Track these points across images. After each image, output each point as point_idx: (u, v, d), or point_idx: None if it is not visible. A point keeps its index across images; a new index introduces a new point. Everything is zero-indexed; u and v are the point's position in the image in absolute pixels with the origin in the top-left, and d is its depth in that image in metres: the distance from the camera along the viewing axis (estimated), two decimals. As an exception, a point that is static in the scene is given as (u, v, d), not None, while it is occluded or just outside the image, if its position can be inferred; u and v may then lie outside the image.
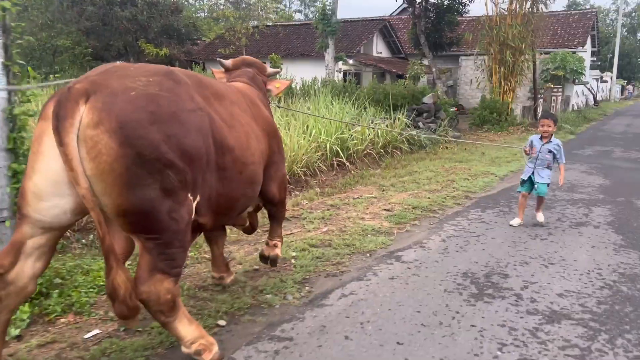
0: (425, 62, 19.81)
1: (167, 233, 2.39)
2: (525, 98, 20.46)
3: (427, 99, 15.89)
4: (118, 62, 2.71)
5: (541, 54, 18.16)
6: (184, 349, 2.66)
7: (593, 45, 31.17)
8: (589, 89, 30.88)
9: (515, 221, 5.77)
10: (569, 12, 29.11)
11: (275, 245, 3.82)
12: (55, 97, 2.26)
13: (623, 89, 48.73)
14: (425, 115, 15.43)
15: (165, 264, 2.43)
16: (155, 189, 2.29)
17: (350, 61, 26.05)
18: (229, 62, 3.88)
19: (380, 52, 29.35)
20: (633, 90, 52.40)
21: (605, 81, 41.09)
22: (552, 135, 5.66)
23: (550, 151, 5.60)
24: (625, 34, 60.96)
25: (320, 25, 20.29)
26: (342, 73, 26.69)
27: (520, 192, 5.84)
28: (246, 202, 3.17)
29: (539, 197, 5.76)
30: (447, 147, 13.10)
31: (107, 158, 2.16)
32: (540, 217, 5.81)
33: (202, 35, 29.47)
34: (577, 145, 13.64)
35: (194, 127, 2.45)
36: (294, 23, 33.23)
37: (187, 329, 2.62)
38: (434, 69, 19.16)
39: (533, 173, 5.65)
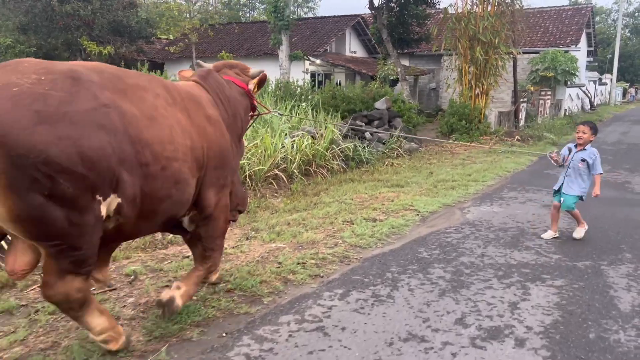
0: (399, 61, 17.22)
1: (70, 238, 2.34)
2: (504, 102, 17.84)
3: (380, 104, 13.35)
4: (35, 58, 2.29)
5: (519, 52, 15.51)
6: (92, 337, 2.72)
7: (589, 44, 28.49)
8: (584, 92, 28.21)
9: (548, 234, 5.40)
10: (561, 8, 26.48)
11: (178, 287, 3.20)
12: None
13: (625, 91, 45.99)
14: (376, 123, 12.89)
15: (73, 265, 2.42)
16: (46, 195, 2.18)
17: (318, 61, 23.56)
18: (209, 66, 3.69)
19: (355, 52, 26.81)
20: (636, 93, 49.61)
21: (605, 84, 38.36)
22: (588, 142, 5.27)
23: (583, 160, 5.21)
24: (628, 35, 58.22)
25: (272, 19, 17.76)
26: (309, 74, 24.21)
27: (553, 202, 5.49)
28: (172, 206, 2.89)
29: (567, 211, 5.34)
30: (392, 164, 10.54)
31: None
32: (577, 232, 5.34)
33: (162, 33, 27.01)
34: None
35: (94, 126, 2.32)
36: (260, 20, 30.65)
37: (97, 320, 2.65)
38: (398, 69, 16.59)
39: (562, 185, 5.33)
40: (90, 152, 2.26)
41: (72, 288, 2.44)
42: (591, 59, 30.14)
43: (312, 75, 24.67)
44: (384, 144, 12.04)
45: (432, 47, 20.08)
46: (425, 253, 4.78)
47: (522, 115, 17.52)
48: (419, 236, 5.36)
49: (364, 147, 10.77)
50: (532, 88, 16.25)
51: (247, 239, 5.27)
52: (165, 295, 3.16)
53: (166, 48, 21.95)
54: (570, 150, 5.31)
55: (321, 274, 4.20)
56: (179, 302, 3.14)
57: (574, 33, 24.36)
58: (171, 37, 26.93)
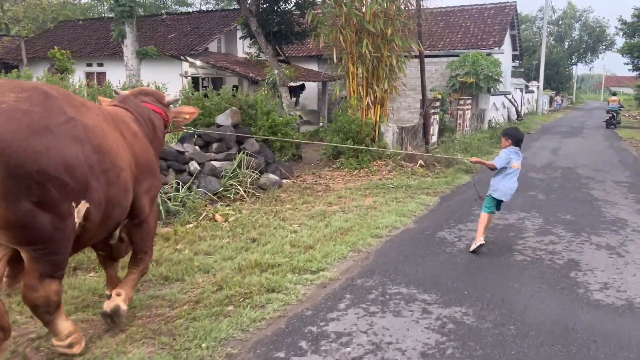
0: (275, 60, 13.14)
1: (52, 242, 2.51)
2: (410, 114, 14.28)
3: (222, 119, 9.21)
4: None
5: (420, 47, 11.91)
6: (55, 342, 2.84)
7: (514, 48, 25.88)
8: (510, 100, 25.50)
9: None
10: (483, 6, 23.62)
11: (118, 294, 3.32)
12: None
13: (551, 99, 44.64)
14: (215, 146, 8.74)
15: (51, 269, 2.59)
16: (35, 202, 2.36)
17: (198, 62, 19.19)
18: (126, 93, 3.89)
19: (250, 53, 22.68)
20: (562, 101, 48.63)
21: (532, 91, 36.37)
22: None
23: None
24: (553, 42, 57.80)
25: (113, 4, 13.29)
26: (189, 78, 19.78)
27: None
28: (121, 213, 3.10)
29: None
30: (213, 217, 6.47)
31: None
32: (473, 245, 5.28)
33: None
34: (459, 203, 7.29)
35: (70, 137, 2.53)
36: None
37: (65, 324, 2.82)
38: (276, 71, 12.57)
39: None
40: (70, 160, 2.49)
41: (51, 291, 2.61)
42: (517, 63, 27.59)
43: (195, 80, 20.28)
44: (220, 177, 7.97)
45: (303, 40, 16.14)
46: None
47: (434, 130, 13.97)
48: None
49: (180, 186, 6.67)
50: (439, 95, 12.73)
51: None
52: (108, 305, 3.27)
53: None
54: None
55: None
56: (123, 306, 3.29)
57: (497, 33, 21.45)
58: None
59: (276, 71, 12.56)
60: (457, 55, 20.18)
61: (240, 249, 5.14)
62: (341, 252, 4.93)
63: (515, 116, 25.98)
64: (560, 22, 59.26)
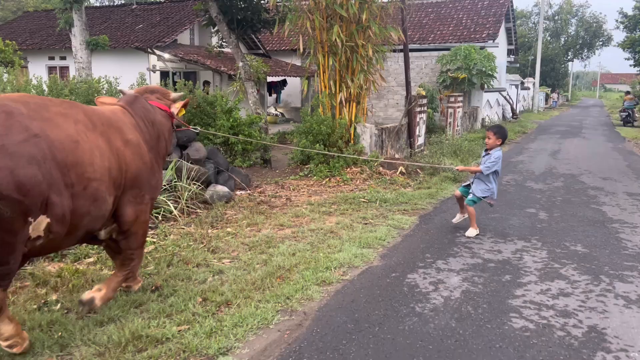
0: (238, 50, 11.59)
1: (0, 255, 2.58)
2: (399, 111, 12.81)
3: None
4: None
5: (400, 35, 10.45)
6: None
7: (509, 42, 24.43)
8: (505, 98, 24.06)
9: (457, 218, 5.92)
10: (476, -3, 22.13)
11: (99, 289, 3.47)
12: None
13: (547, 97, 43.26)
14: (151, 152, 7.18)
15: None
16: None
17: (166, 55, 17.61)
18: (131, 92, 3.90)
19: (211, 45, 21.09)
20: (558, 98, 47.27)
21: (527, 88, 34.96)
22: (495, 146, 5.52)
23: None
24: (549, 38, 56.42)
25: (58, -11, 11.71)
26: (157, 72, 18.26)
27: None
28: (90, 221, 3.10)
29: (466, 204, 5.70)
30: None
31: None
32: (470, 232, 5.57)
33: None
34: (442, 226, 5.78)
35: (27, 157, 2.55)
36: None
37: (6, 327, 2.87)
38: (240, 64, 11.04)
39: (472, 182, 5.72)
40: (24, 179, 2.51)
41: None
42: (512, 58, 26.15)
43: (164, 75, 18.71)
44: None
45: (270, 29, 14.49)
46: None
47: (421, 130, 12.48)
48: None
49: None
50: (423, 92, 11.24)
51: None
52: (86, 295, 3.43)
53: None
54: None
55: None
56: (97, 302, 3.41)
57: (491, 26, 20.00)
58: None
59: (240, 64, 11.02)
60: (448, 49, 18.72)
61: (129, 306, 3.64)
62: (264, 317, 3.43)
63: (511, 114, 24.56)
64: (557, 17, 57.89)
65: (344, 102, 9.33)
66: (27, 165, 2.51)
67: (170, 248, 5.03)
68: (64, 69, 19.15)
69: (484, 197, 5.60)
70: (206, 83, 18.23)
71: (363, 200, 7.34)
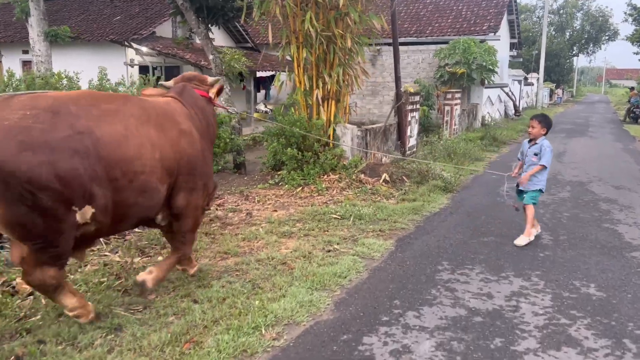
0: (208, 42, 10.47)
1: (48, 239, 2.84)
2: (384, 112, 11.66)
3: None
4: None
5: (384, 24, 9.32)
6: (66, 312, 3.22)
7: (512, 35, 23.19)
8: (507, 94, 22.85)
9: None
10: (477, -13, 20.88)
11: (150, 272, 3.68)
12: None
13: (552, 92, 41.93)
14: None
15: (50, 258, 2.91)
16: (29, 206, 2.65)
17: (144, 49, 16.50)
18: (169, 83, 4.14)
19: (212, 39, 19.93)
20: (563, 94, 45.92)
21: (531, 83, 33.69)
22: (540, 136, 5.27)
23: (536, 154, 5.24)
24: (553, 33, 54.97)
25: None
26: (135, 67, 17.13)
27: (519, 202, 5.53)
28: (140, 210, 3.31)
29: (524, 206, 5.36)
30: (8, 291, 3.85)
31: None
32: (520, 239, 5.23)
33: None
34: (422, 255, 4.63)
35: (69, 152, 2.76)
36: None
37: (69, 300, 3.15)
38: (211, 57, 9.92)
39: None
40: (64, 172, 2.72)
41: (47, 276, 2.93)
42: (515, 53, 24.91)
43: (144, 69, 17.59)
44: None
45: (239, 18, 13.29)
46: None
47: (413, 130, 11.33)
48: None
49: None
50: (411, 89, 10.08)
51: None
52: (140, 277, 3.65)
53: None
54: (522, 148, 5.44)
55: None
56: (149, 284, 3.62)
57: (492, 18, 18.79)
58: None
59: (211, 56, 9.90)
60: (447, 43, 17.54)
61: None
62: None
63: (513, 111, 23.35)
64: (562, 11, 56.39)
65: (319, 99, 8.19)
66: (68, 160, 2.72)
67: (77, 286, 3.94)
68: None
69: (542, 189, 5.33)
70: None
71: (334, 216, 6.23)
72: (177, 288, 4.03)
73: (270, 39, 8.05)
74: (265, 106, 21.80)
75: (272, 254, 4.78)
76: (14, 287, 3.96)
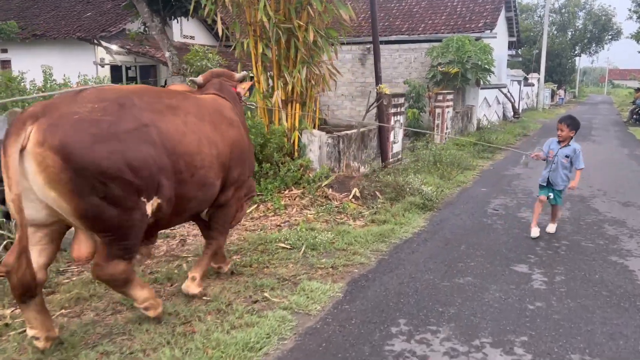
0: (165, 37, 9.35)
1: (120, 231, 2.85)
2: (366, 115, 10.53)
3: None
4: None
5: (352, 16, 8.17)
6: (136, 305, 3.22)
7: (511, 33, 22.02)
8: (506, 95, 21.70)
9: (534, 232, 5.54)
10: (473, -18, 19.73)
11: (192, 278, 3.74)
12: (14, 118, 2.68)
13: (553, 93, 40.71)
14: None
15: (120, 252, 2.92)
16: (102, 197, 2.68)
17: (114, 47, 15.49)
18: (200, 79, 4.07)
19: (192, 37, 18.91)
20: (565, 95, 44.68)
21: (532, 84, 32.51)
22: (569, 138, 5.48)
23: (567, 156, 5.45)
24: (555, 32, 53.73)
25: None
26: (105, 67, 16.14)
27: (538, 195, 5.67)
28: (197, 204, 3.43)
29: (553, 206, 5.67)
30: None
31: (53, 170, 2.54)
32: (551, 228, 5.70)
33: None
34: (376, 306, 3.48)
35: (137, 142, 2.80)
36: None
37: (139, 293, 3.16)
38: (167, 54, 8.82)
39: (549, 179, 5.55)
40: (134, 162, 2.75)
41: (117, 270, 2.93)
42: (513, 52, 23.75)
43: (117, 69, 16.59)
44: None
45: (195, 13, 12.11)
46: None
47: (397, 136, 10.20)
48: None
49: None
50: (386, 90, 8.94)
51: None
52: (185, 286, 3.74)
53: None
54: (550, 146, 5.56)
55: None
56: (194, 291, 3.73)
57: (488, 14, 17.66)
58: None
59: (167, 54, 8.81)
60: (440, 40, 16.40)
61: None
62: None
63: (512, 113, 22.20)
64: (563, 10, 55.07)
65: (279, 102, 7.07)
66: (137, 150, 2.77)
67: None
68: (6, 63, 17.02)
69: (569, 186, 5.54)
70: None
71: (283, 245, 5.12)
72: (25, 365, 2.91)
73: (219, 31, 6.93)
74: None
75: (179, 307, 3.65)
76: None
